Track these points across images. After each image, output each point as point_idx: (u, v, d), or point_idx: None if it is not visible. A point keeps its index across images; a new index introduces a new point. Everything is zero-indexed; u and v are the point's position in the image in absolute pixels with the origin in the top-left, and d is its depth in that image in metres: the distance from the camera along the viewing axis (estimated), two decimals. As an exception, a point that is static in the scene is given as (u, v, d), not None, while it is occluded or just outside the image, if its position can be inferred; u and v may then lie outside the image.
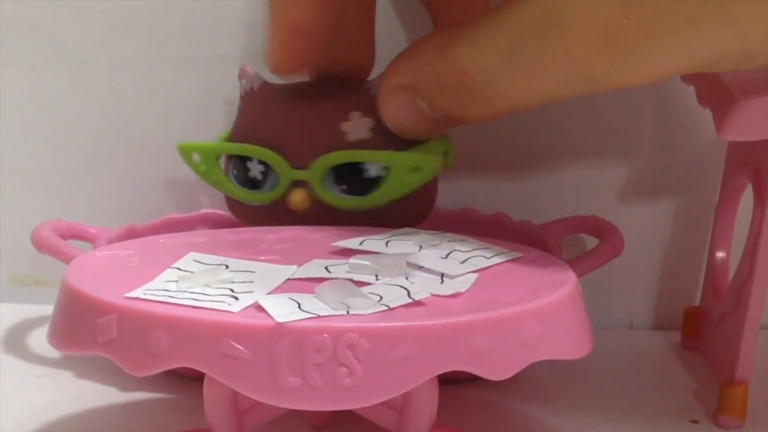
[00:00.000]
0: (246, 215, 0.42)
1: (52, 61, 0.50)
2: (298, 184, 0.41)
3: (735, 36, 0.32)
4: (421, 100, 0.38)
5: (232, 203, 0.43)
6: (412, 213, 0.41)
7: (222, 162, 0.43)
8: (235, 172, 0.42)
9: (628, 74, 0.33)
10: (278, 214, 0.41)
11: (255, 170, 0.42)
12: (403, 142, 0.40)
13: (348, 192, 0.41)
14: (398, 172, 0.40)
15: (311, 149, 0.40)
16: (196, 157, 0.42)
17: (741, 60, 0.33)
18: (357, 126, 0.40)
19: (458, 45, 0.36)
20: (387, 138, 0.40)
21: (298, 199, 0.41)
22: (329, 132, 0.40)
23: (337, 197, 0.40)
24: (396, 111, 0.39)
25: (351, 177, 0.40)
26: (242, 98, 0.42)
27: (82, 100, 0.50)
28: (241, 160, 0.42)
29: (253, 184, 0.42)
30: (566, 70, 0.34)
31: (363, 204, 0.40)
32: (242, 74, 0.43)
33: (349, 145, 0.40)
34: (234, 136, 0.42)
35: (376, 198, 0.40)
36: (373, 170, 0.40)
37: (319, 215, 0.41)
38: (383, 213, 0.41)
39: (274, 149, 0.41)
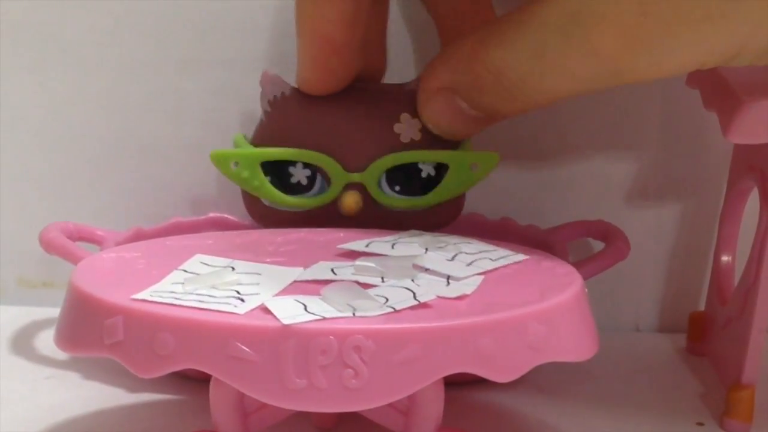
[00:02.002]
0: (275, 221, 0.43)
1: (60, 64, 0.50)
2: (350, 187, 0.41)
3: (752, 32, 0.33)
4: (461, 101, 0.39)
5: (257, 209, 0.43)
6: (451, 212, 0.43)
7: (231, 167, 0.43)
8: (269, 178, 0.42)
9: (651, 68, 0.34)
10: (319, 220, 0.42)
11: (300, 175, 0.42)
12: (450, 141, 0.41)
13: (401, 192, 0.41)
14: (458, 170, 0.41)
15: (366, 152, 0.41)
16: (233, 165, 0.42)
17: (759, 55, 0.34)
18: (408, 127, 0.41)
19: (490, 46, 0.37)
20: (436, 137, 0.41)
21: (352, 201, 0.41)
22: (383, 134, 0.41)
23: (393, 198, 0.41)
24: (438, 113, 0.40)
25: (405, 177, 0.42)
26: (271, 104, 0.43)
27: (89, 102, 0.50)
28: (281, 166, 0.42)
29: (294, 189, 0.42)
30: (592, 66, 0.35)
31: (421, 203, 0.42)
32: (266, 79, 0.43)
33: (403, 146, 0.41)
34: (266, 142, 0.42)
35: (436, 196, 0.42)
36: (426, 170, 0.42)
37: (368, 218, 0.41)
38: (428, 213, 0.42)
39: (325, 153, 0.41)
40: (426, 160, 0.41)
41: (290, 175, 0.42)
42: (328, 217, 0.42)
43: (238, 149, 0.43)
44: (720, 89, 0.39)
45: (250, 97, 0.48)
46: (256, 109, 0.44)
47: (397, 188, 0.42)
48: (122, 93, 0.50)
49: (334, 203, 0.42)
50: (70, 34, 0.50)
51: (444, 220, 0.43)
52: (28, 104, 0.51)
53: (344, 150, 0.41)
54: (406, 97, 0.41)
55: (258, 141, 0.43)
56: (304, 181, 0.42)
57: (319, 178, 0.42)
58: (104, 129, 0.51)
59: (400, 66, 0.46)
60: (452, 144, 0.42)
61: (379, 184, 0.41)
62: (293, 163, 0.42)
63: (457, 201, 0.43)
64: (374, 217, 0.42)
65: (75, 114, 0.51)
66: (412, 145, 0.41)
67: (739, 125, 0.36)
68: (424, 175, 0.42)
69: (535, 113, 0.40)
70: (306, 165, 0.42)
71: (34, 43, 0.50)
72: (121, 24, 0.49)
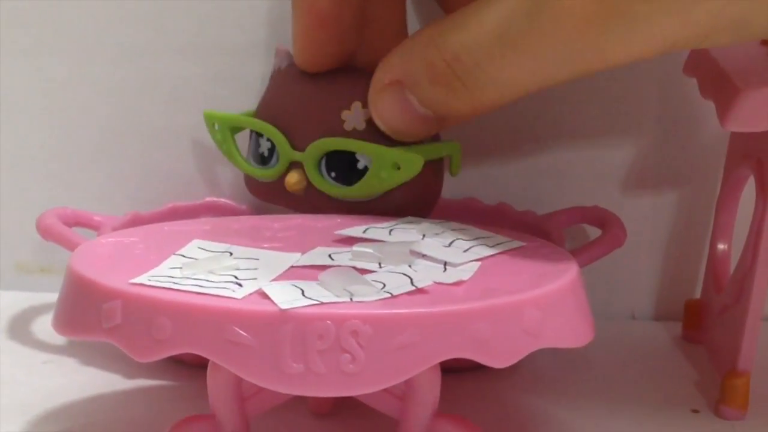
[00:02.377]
0: (256, 190, 0.43)
1: (58, 49, 0.50)
2: (296, 165, 0.41)
3: (720, 9, 0.32)
4: (410, 95, 0.38)
5: (247, 177, 0.43)
6: (407, 208, 0.41)
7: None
8: (252, 146, 0.43)
9: (619, 46, 0.33)
10: (280, 193, 0.42)
11: (264, 146, 0.42)
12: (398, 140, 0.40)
13: (337, 180, 0.41)
14: (379, 167, 0.40)
15: (310, 133, 0.41)
16: (216, 126, 0.43)
17: (734, 30, 0.33)
18: (355, 116, 0.40)
19: (448, 31, 0.36)
20: (382, 132, 0.40)
21: (292, 180, 0.41)
22: (329, 118, 0.41)
23: (326, 183, 0.41)
24: (385, 109, 0.39)
25: (343, 165, 0.41)
26: (272, 76, 0.43)
27: (87, 88, 0.50)
28: (257, 136, 0.43)
29: (262, 159, 0.42)
30: (556, 46, 0.34)
31: (347, 193, 0.41)
32: (277, 53, 0.43)
33: (345, 133, 0.41)
34: (257, 112, 0.43)
35: (358, 189, 0.40)
36: (363, 162, 0.41)
37: (317, 199, 0.41)
38: (375, 205, 0.41)
39: (282, 128, 0.41)
40: (356, 150, 0.40)
41: (259, 145, 0.42)
42: (288, 193, 0.42)
43: (221, 112, 0.43)
44: (717, 77, 0.39)
45: (248, 83, 0.48)
46: (254, 95, 0.44)
47: (333, 174, 0.41)
48: (120, 79, 0.50)
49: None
50: (68, 20, 0.50)
51: (400, 214, 0.41)
52: (27, 90, 0.51)
53: (294, 128, 0.41)
54: (367, 87, 0.40)
55: (256, 111, 0.43)
56: (266, 153, 0.42)
57: (275, 152, 0.42)
58: (102, 115, 0.51)
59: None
60: (402, 142, 0.40)
61: (318, 168, 0.41)
62: (262, 134, 0.42)
63: (415, 198, 0.41)
64: (318, 201, 0.41)
65: (73, 100, 0.51)
66: (353, 134, 0.40)
67: (735, 113, 0.37)
68: (360, 166, 0.41)
69: (532, 100, 0.40)
70: (268, 138, 0.42)
71: (33, 28, 0.50)
72: (120, 10, 0.49)
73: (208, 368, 0.33)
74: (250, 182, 0.43)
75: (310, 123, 0.41)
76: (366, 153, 0.40)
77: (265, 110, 0.43)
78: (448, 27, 0.36)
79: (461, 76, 0.36)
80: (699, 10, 0.32)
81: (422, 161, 0.40)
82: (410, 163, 0.39)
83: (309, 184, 0.41)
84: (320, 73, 0.42)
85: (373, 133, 0.40)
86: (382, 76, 0.39)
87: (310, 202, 0.41)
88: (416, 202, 0.41)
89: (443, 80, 0.37)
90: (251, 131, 0.43)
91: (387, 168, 0.40)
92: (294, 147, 0.41)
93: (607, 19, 0.33)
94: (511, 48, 0.35)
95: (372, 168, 0.40)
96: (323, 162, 0.41)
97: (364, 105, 0.40)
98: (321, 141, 0.41)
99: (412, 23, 0.47)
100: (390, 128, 0.39)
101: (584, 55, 0.34)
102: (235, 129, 0.44)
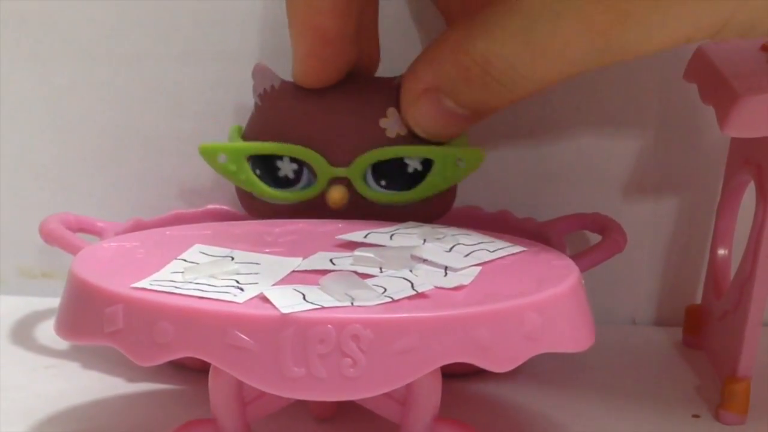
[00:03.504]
0: (267, 214, 0.42)
1: (60, 55, 0.50)
2: (335, 181, 0.41)
3: (737, 6, 0.33)
4: (447, 99, 0.39)
5: (249, 202, 0.43)
6: (443, 208, 0.42)
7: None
8: (258, 171, 0.42)
9: (639, 43, 0.35)
10: (308, 213, 0.42)
11: (287, 169, 0.42)
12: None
13: (387, 187, 0.41)
14: (443, 165, 0.41)
15: (351, 146, 0.41)
16: (222, 158, 0.42)
17: (743, 30, 0.34)
18: (394, 121, 0.41)
19: (476, 37, 0.37)
20: None
21: (338, 196, 0.41)
22: (369, 129, 0.41)
23: (379, 193, 0.41)
24: (424, 116, 0.40)
25: (391, 172, 0.41)
26: (261, 96, 0.43)
27: (90, 94, 0.50)
28: (269, 159, 0.42)
29: (282, 182, 0.42)
30: (582, 44, 0.35)
31: (407, 198, 0.41)
32: (258, 72, 0.43)
33: (389, 141, 0.41)
34: (256, 135, 0.42)
35: (422, 191, 0.41)
36: (412, 165, 0.41)
37: (355, 212, 0.41)
38: (416, 208, 0.42)
39: (311, 147, 0.41)
40: (411, 155, 0.41)
41: (278, 169, 0.42)
42: (318, 209, 0.42)
43: (226, 143, 0.43)
44: (717, 83, 0.39)
45: (248, 89, 0.48)
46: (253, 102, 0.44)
47: (383, 183, 0.41)
48: (122, 85, 0.50)
49: (323, 196, 0.42)
50: (70, 26, 0.50)
51: (434, 214, 0.42)
52: (29, 96, 0.51)
53: (329, 144, 0.41)
54: (394, 92, 0.41)
55: (248, 134, 0.43)
56: (291, 175, 0.42)
57: (305, 172, 0.42)
58: (104, 121, 0.51)
59: (403, 62, 0.46)
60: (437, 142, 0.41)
61: (364, 179, 0.41)
62: (281, 156, 0.42)
63: (447, 196, 0.42)
64: (362, 211, 0.41)
65: (75, 106, 0.51)
66: (398, 140, 0.41)
67: (735, 119, 0.37)
68: (410, 170, 0.41)
69: (532, 108, 0.40)
70: (293, 159, 0.42)
71: (34, 35, 0.50)
72: (121, 16, 0.49)
73: (210, 372, 0.33)
74: (254, 206, 0.43)
75: (347, 137, 0.41)
76: (425, 155, 0.41)
77: (273, 132, 0.42)
78: (473, 33, 0.37)
79: (496, 76, 0.37)
80: (710, 15, 0.34)
81: (483, 154, 0.41)
82: (473, 158, 0.41)
83: (351, 198, 0.41)
84: (337, 86, 0.42)
85: (415, 135, 0.41)
86: (413, 85, 0.39)
87: (350, 217, 0.41)
88: (449, 201, 0.42)
89: (479, 81, 0.37)
90: (248, 157, 0.42)
91: (451, 166, 0.41)
92: (332, 164, 0.41)
93: (625, 26, 0.34)
94: (537, 50, 0.36)
95: (435, 167, 0.41)
96: (368, 173, 0.41)
97: (399, 110, 0.40)
98: (371, 153, 0.41)
99: (411, 26, 0.48)
100: (428, 132, 0.41)
101: (607, 52, 0.35)
102: (249, 157, 0.42)
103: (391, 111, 0.41)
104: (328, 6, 0.39)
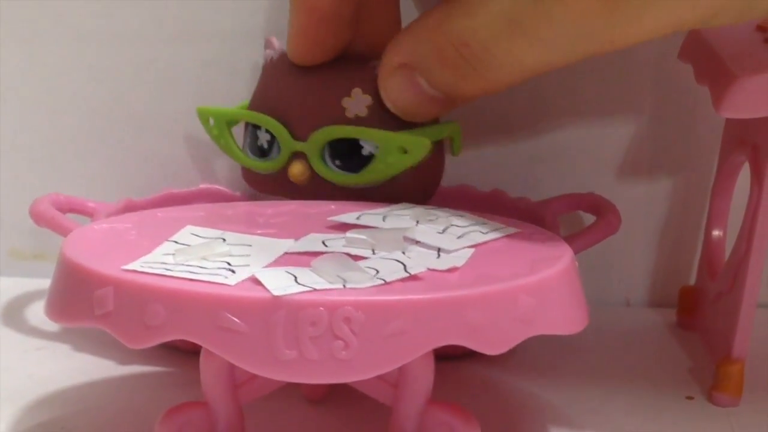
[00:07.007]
0: (256, 182, 0.43)
1: (50, 34, 0.50)
2: (298, 155, 0.41)
3: None
4: (420, 78, 0.38)
5: (245, 170, 0.43)
6: (413, 192, 0.41)
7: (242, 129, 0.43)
8: (248, 139, 0.43)
9: (628, 27, 0.34)
10: (283, 184, 0.42)
11: (263, 139, 0.42)
12: (400, 123, 0.40)
13: (342, 168, 0.41)
14: (386, 152, 0.40)
15: (312, 122, 0.41)
16: (211, 121, 0.43)
17: (740, 12, 0.33)
18: (356, 102, 0.40)
19: (456, 17, 0.36)
20: (383, 117, 0.40)
21: (296, 170, 0.41)
22: (330, 106, 0.41)
23: (331, 172, 0.41)
24: (396, 91, 0.39)
25: (347, 153, 0.41)
26: (263, 68, 0.43)
27: (81, 74, 0.50)
28: (254, 128, 0.42)
29: (261, 152, 0.42)
30: (565, 29, 0.34)
31: (354, 181, 0.41)
32: (267, 44, 0.43)
33: (347, 121, 0.40)
34: (251, 104, 0.43)
35: (366, 176, 0.41)
36: (367, 148, 0.40)
37: (321, 189, 0.41)
38: (382, 191, 0.41)
39: (280, 119, 0.41)
40: (360, 137, 0.40)
41: (258, 138, 0.42)
42: (292, 183, 0.42)
43: (215, 107, 0.43)
44: (712, 64, 0.39)
45: (241, 69, 0.48)
46: (247, 82, 0.44)
47: (338, 163, 0.41)
48: (114, 64, 0.50)
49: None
50: (61, 5, 0.49)
51: (404, 200, 0.40)
52: (19, 76, 0.51)
53: (294, 118, 0.41)
54: (365, 73, 0.40)
55: (250, 104, 0.43)
56: (265, 146, 0.42)
57: (276, 143, 0.42)
58: (95, 100, 0.51)
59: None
60: (405, 125, 0.40)
61: (322, 157, 0.41)
62: (260, 126, 0.42)
63: (419, 184, 0.41)
64: (322, 190, 0.41)
65: (66, 85, 0.50)
66: (356, 121, 0.40)
67: (730, 100, 0.36)
68: (365, 153, 0.41)
69: (527, 88, 0.39)
70: (267, 130, 0.42)
71: (25, 14, 0.50)
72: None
73: (201, 354, 0.33)
74: (249, 175, 0.43)
75: (310, 112, 0.41)
76: (371, 139, 0.40)
77: (260, 102, 0.42)
78: (455, 12, 0.36)
79: (470, 60, 0.36)
80: (703, 1, 0.33)
81: (429, 144, 0.40)
82: (417, 147, 0.40)
83: (313, 174, 0.41)
84: (319, 63, 0.41)
85: (375, 119, 0.40)
86: (391, 59, 0.39)
87: (313, 192, 0.41)
88: (421, 185, 0.41)
89: (452, 64, 0.37)
90: (247, 124, 0.43)
91: (394, 153, 0.40)
92: (295, 137, 0.41)
93: (615, 3, 0.33)
94: (519, 33, 0.35)
95: (378, 153, 0.40)
96: (326, 151, 0.41)
97: (365, 91, 0.40)
98: (324, 129, 0.40)
99: (410, 11, 0.47)
100: (400, 109, 0.40)
101: (592, 38, 0.34)
102: (232, 123, 0.43)
103: (356, 91, 0.40)
104: None
